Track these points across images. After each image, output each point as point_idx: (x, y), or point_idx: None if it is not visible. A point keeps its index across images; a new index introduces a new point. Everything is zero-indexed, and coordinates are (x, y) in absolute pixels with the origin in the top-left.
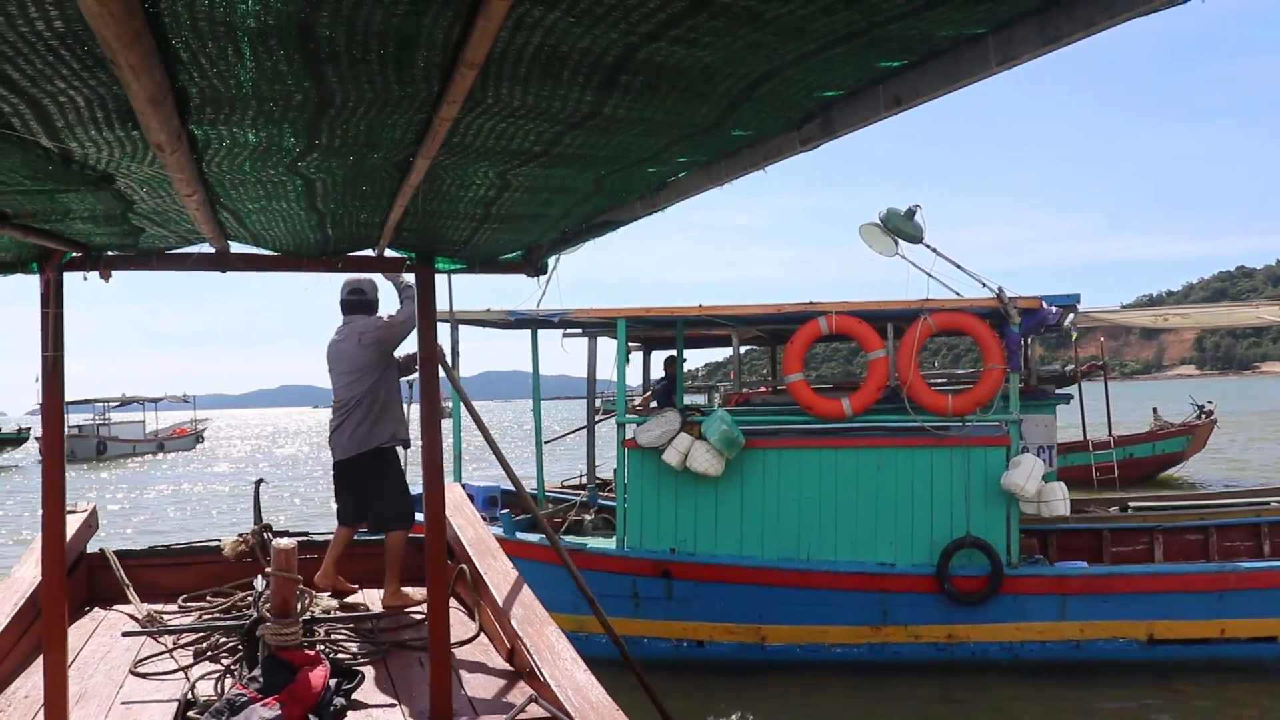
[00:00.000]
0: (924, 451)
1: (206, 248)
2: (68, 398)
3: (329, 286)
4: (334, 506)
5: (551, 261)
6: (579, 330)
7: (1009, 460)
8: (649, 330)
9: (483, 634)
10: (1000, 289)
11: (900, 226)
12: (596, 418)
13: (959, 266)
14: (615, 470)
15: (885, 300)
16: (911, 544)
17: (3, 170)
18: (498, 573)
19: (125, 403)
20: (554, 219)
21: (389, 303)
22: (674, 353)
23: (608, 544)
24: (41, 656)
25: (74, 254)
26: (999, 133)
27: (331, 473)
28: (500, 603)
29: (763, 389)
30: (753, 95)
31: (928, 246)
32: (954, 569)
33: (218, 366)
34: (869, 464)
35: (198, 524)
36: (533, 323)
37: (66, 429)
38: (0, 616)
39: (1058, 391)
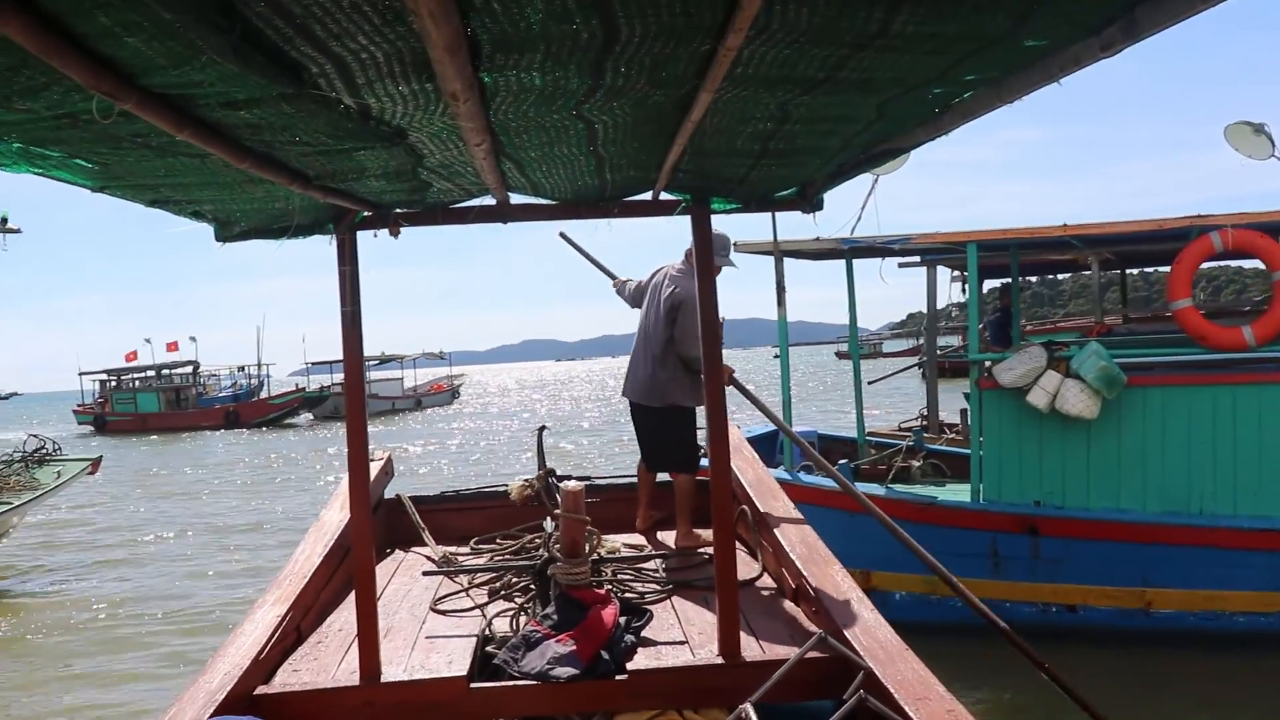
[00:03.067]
0: None
1: (487, 200)
2: (330, 358)
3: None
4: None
5: (868, 186)
6: (916, 259)
7: None
8: (989, 256)
9: (766, 574)
10: None
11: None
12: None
13: None
14: (964, 413)
15: None
16: None
17: (309, 131)
18: (779, 513)
19: (384, 361)
20: (832, 150)
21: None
22: (1006, 281)
23: (961, 496)
24: (353, 593)
25: (366, 213)
26: (1245, 51)
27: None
28: (783, 542)
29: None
30: None
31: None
32: None
33: (464, 324)
34: (1275, 402)
35: (468, 472)
36: (868, 251)
37: (331, 386)
38: (313, 557)
39: None
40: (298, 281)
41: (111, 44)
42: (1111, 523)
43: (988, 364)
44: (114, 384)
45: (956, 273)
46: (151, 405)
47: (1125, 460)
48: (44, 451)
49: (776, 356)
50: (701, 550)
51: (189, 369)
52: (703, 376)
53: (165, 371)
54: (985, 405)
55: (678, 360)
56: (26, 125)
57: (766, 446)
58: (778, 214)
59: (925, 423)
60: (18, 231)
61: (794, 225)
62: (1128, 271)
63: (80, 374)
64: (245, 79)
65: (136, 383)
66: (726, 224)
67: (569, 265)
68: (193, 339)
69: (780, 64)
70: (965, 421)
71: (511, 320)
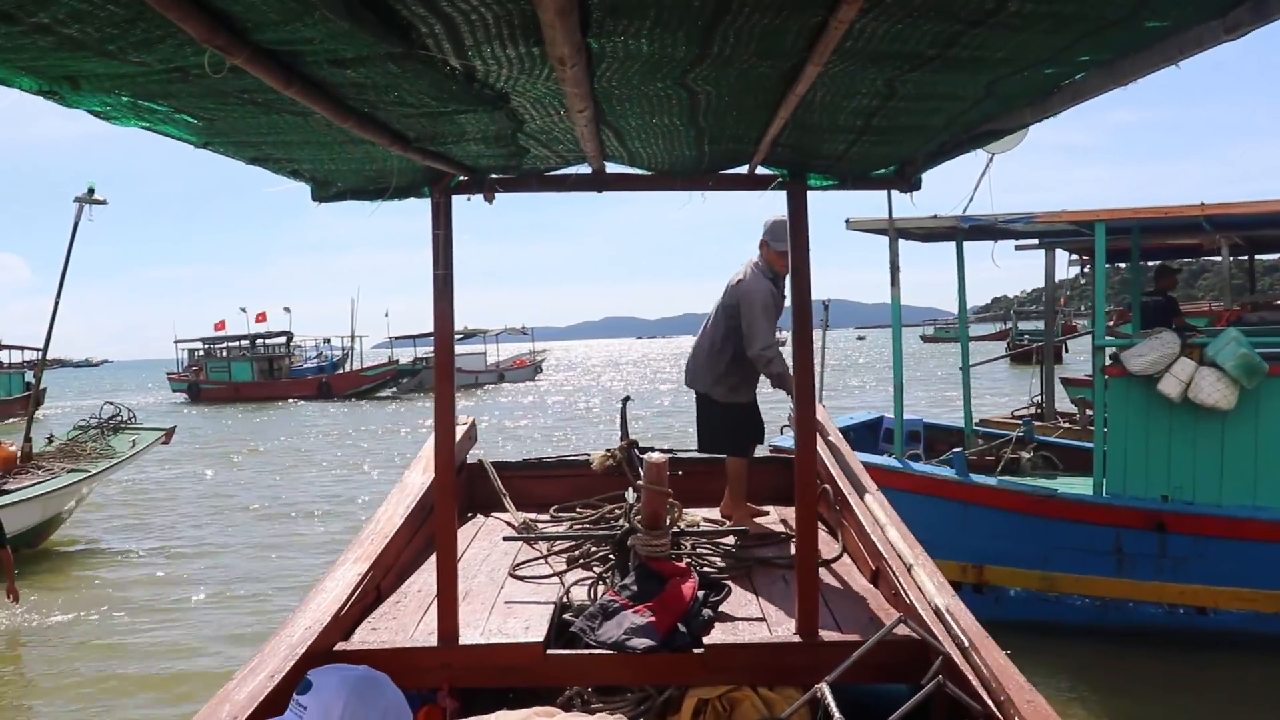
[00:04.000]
0: None
1: (582, 168)
2: (412, 332)
3: (648, 221)
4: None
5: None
6: (1034, 241)
7: None
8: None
9: (846, 554)
10: None
11: None
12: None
13: None
14: (1080, 402)
15: None
16: None
17: (413, 92)
18: (862, 494)
19: (468, 335)
20: (935, 129)
21: None
22: (1163, 263)
23: (1083, 489)
24: (434, 555)
25: (462, 177)
26: None
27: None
28: (864, 523)
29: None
30: None
31: None
32: None
33: (545, 299)
34: None
35: (549, 445)
36: (985, 231)
37: (415, 359)
38: (395, 518)
39: None
40: (381, 257)
41: None
42: (1247, 520)
43: (1114, 350)
44: (203, 352)
45: (1074, 255)
46: (245, 374)
47: (1264, 454)
48: (119, 419)
49: (860, 338)
50: (783, 528)
51: (283, 339)
52: (777, 364)
53: (259, 341)
54: (1111, 394)
55: (723, 354)
56: (139, 78)
57: (870, 434)
58: (879, 192)
59: (1040, 410)
60: (104, 203)
61: (904, 204)
62: (1237, 258)
63: (176, 342)
64: (355, 37)
65: (225, 352)
66: (827, 201)
67: (652, 242)
68: (286, 309)
69: (891, 39)
70: (1083, 411)
71: (593, 296)
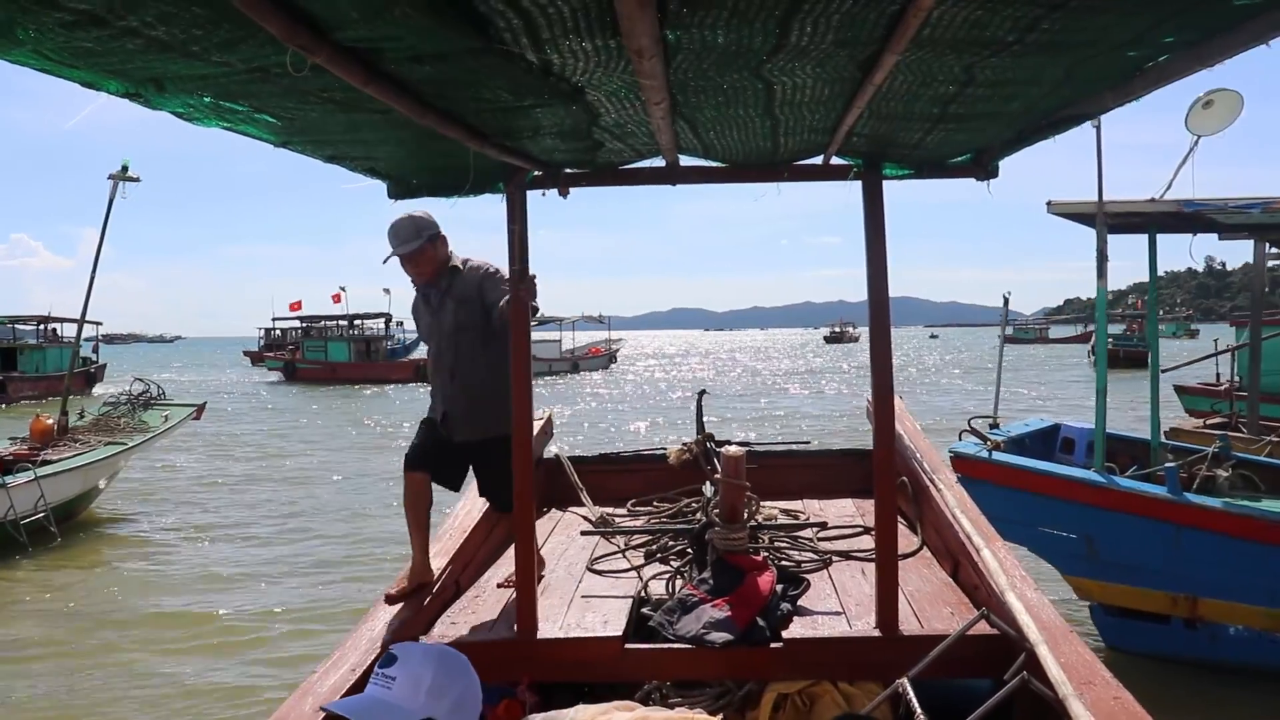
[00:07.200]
0: None
1: (656, 162)
2: None
3: (716, 214)
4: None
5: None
6: (1244, 232)
7: None
8: None
9: (925, 548)
10: None
11: None
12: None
13: None
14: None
15: None
16: None
17: (491, 87)
18: (941, 487)
19: (543, 322)
20: (1013, 115)
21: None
22: None
23: None
24: (510, 550)
25: (536, 172)
26: None
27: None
28: (944, 517)
29: None
30: None
31: None
32: None
33: (612, 288)
34: None
35: (623, 436)
36: (1199, 220)
37: None
38: (473, 513)
39: None
40: (457, 242)
41: None
42: None
43: None
44: (300, 331)
45: (1276, 250)
46: (342, 354)
47: None
48: (149, 395)
49: (933, 336)
50: (861, 522)
51: (381, 320)
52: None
53: (357, 322)
54: None
55: (502, 365)
56: (221, 79)
57: (1043, 442)
58: (981, 182)
59: (1236, 422)
60: (137, 180)
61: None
62: None
63: (273, 319)
64: (435, 33)
65: (300, 332)
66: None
67: (718, 235)
68: (386, 290)
69: (970, 25)
70: None
71: (660, 287)
